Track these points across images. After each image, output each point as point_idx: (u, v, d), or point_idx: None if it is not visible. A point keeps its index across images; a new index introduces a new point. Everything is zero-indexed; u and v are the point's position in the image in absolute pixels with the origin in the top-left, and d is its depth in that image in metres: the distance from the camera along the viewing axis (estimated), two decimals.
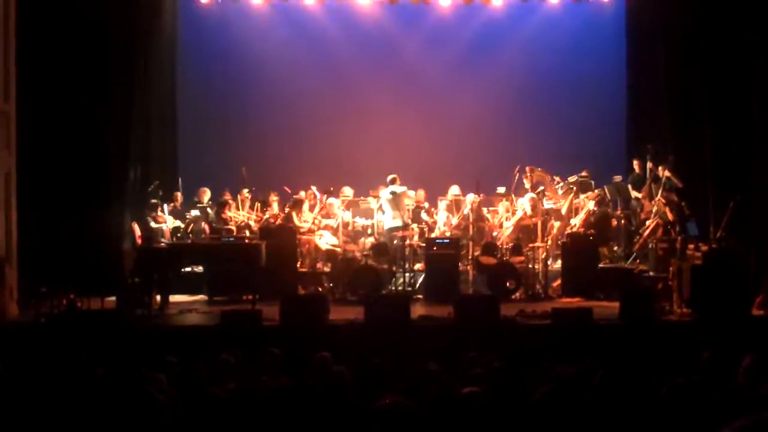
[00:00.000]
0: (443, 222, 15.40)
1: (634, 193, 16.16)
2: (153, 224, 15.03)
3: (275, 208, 15.54)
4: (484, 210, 15.56)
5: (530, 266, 14.52)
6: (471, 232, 14.88)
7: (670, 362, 7.82)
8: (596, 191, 15.65)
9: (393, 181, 14.94)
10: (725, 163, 14.78)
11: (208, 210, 15.87)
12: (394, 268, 14.60)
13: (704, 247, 13.00)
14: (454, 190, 16.05)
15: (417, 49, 18.52)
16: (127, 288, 12.97)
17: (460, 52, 18.52)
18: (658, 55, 16.54)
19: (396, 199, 14.80)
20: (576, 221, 15.11)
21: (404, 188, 15.04)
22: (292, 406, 5.68)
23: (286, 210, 15.09)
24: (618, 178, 16.53)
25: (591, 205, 15.17)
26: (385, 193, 14.94)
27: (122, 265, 13.97)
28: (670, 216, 14.69)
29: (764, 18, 14.02)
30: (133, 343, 10.41)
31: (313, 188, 15.76)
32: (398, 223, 14.74)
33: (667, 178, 15.24)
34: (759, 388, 5.76)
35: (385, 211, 14.94)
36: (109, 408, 4.99)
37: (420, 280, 14.62)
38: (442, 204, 15.73)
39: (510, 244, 14.63)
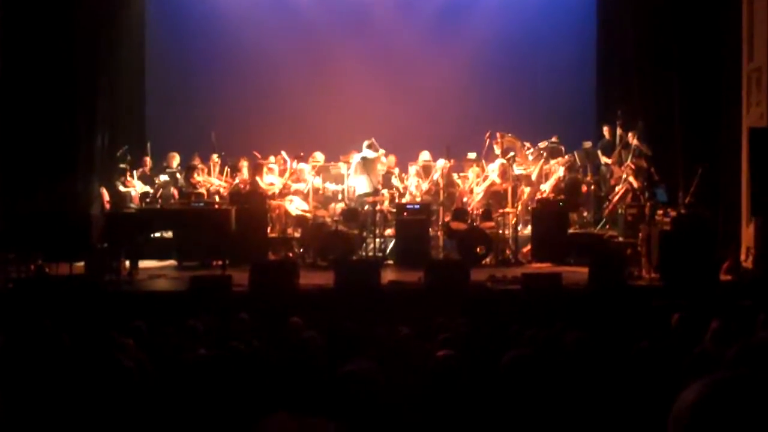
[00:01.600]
0: (414, 187, 15.38)
1: (603, 159, 16.21)
2: (122, 189, 14.91)
3: (245, 173, 15.42)
4: (455, 176, 15.55)
5: (500, 232, 14.55)
6: (441, 197, 14.87)
7: (639, 327, 7.85)
8: (566, 157, 15.68)
9: (369, 147, 14.88)
10: (694, 130, 14.89)
11: (177, 175, 15.75)
12: (364, 234, 14.59)
13: (673, 213, 13.07)
14: (425, 155, 16.01)
15: (387, 14, 18.43)
16: (96, 253, 12.84)
17: (431, 18, 18.47)
18: (627, 21, 16.62)
19: (367, 165, 14.74)
20: (546, 187, 15.14)
21: (381, 152, 14.99)
22: (262, 372, 5.65)
23: (249, 178, 15.04)
24: (588, 144, 16.56)
25: (561, 171, 15.20)
26: (356, 157, 14.88)
27: (91, 230, 13.83)
28: (637, 182, 14.75)
29: None
30: (102, 309, 10.33)
31: (283, 153, 15.66)
32: (368, 188, 14.71)
33: (636, 144, 15.28)
34: (725, 350, 5.80)
35: (356, 176, 14.89)
36: (76, 373, 4.94)
37: (390, 245, 14.63)
38: (413, 169, 15.71)
39: (480, 210, 14.63)
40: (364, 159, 14.75)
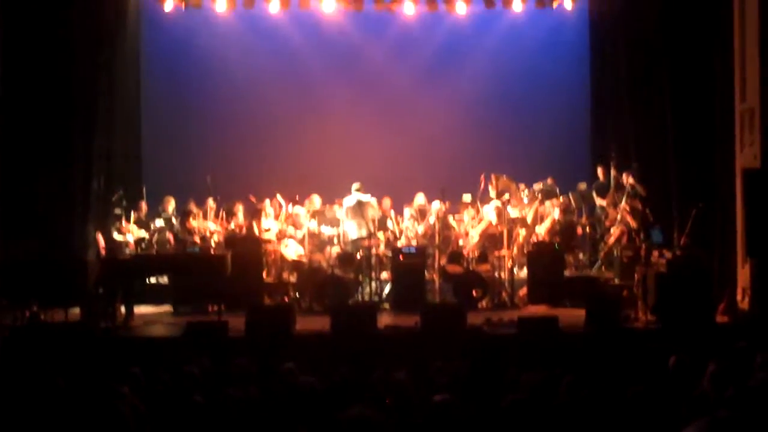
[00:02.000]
0: (409, 231, 15.41)
1: (598, 201, 16.24)
2: (117, 235, 14.92)
3: (240, 217, 15.45)
4: (450, 218, 15.56)
5: (496, 274, 14.56)
6: (437, 240, 14.88)
7: (636, 369, 7.87)
8: (561, 199, 15.71)
9: (359, 189, 14.93)
10: (688, 171, 14.93)
11: (173, 220, 15.76)
12: (360, 278, 14.58)
13: (668, 254, 13.08)
14: (420, 198, 16.03)
15: (382, 57, 18.52)
16: (91, 299, 12.83)
17: (425, 60, 18.55)
18: (620, 62, 16.75)
19: (361, 208, 14.79)
20: (541, 229, 15.17)
21: (368, 196, 15.01)
22: (259, 418, 5.66)
23: (245, 222, 15.06)
24: (583, 186, 16.61)
25: (556, 213, 15.23)
26: (349, 200, 14.92)
27: (86, 276, 13.82)
28: (633, 224, 14.80)
29: (723, 19, 14.17)
30: (98, 356, 10.32)
31: (278, 197, 15.69)
32: (363, 232, 14.74)
33: (631, 185, 15.34)
34: (723, 393, 5.81)
35: (348, 220, 14.93)
36: (73, 421, 4.94)
37: (386, 289, 14.62)
38: (408, 212, 15.73)
39: (476, 253, 14.66)
40: (359, 202, 14.79)
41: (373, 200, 15.17)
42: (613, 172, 15.90)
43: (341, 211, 15.17)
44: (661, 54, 15.52)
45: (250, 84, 18.13)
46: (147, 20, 17.72)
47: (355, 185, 14.98)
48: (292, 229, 15.17)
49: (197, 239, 14.82)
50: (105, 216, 15.41)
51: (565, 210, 15.42)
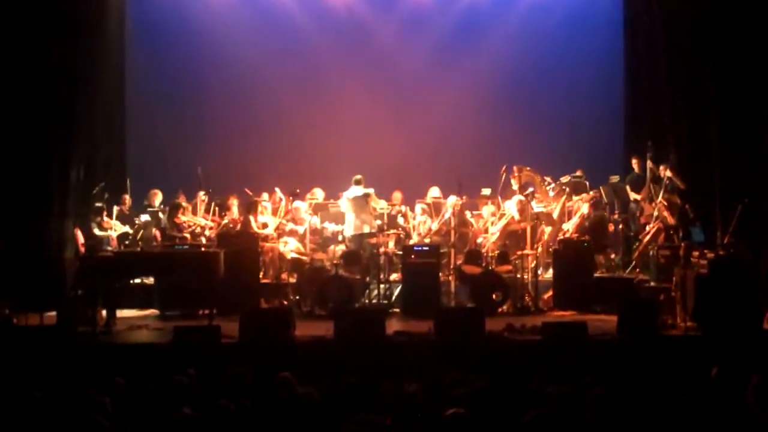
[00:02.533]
0: (422, 227, 15.40)
1: (632, 195, 16.23)
2: (98, 231, 14.95)
3: (235, 212, 15.46)
4: (468, 214, 15.56)
5: (518, 276, 14.54)
6: (453, 238, 14.86)
7: (673, 381, 7.85)
8: (591, 193, 15.66)
9: (358, 182, 14.93)
10: (733, 162, 14.82)
11: (160, 214, 15.79)
12: (367, 279, 14.59)
13: (710, 255, 13.03)
14: (434, 191, 16.05)
15: (392, 38, 18.55)
16: (69, 302, 12.85)
17: (439, 41, 18.57)
18: (658, 41, 16.62)
19: (361, 202, 14.78)
20: (569, 226, 15.14)
21: (371, 190, 15.00)
22: None
23: (240, 216, 15.07)
24: (615, 179, 16.58)
25: (585, 209, 15.19)
26: (350, 193, 14.92)
27: (63, 276, 13.86)
28: (671, 220, 14.76)
29: None
30: (76, 364, 10.34)
31: (278, 190, 15.71)
32: (366, 228, 14.74)
33: (669, 178, 15.30)
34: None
35: (349, 216, 14.94)
36: None
37: (396, 291, 14.62)
38: (420, 207, 15.72)
39: (496, 252, 14.63)
40: (366, 194, 14.79)
41: (373, 193, 15.11)
42: (649, 164, 15.87)
43: (343, 204, 15.13)
44: (704, 33, 15.38)
45: (247, 67, 18.14)
46: None
47: (355, 177, 14.97)
48: (291, 225, 15.18)
49: (186, 235, 14.83)
50: (85, 210, 15.43)
51: (596, 205, 15.37)
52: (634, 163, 16.53)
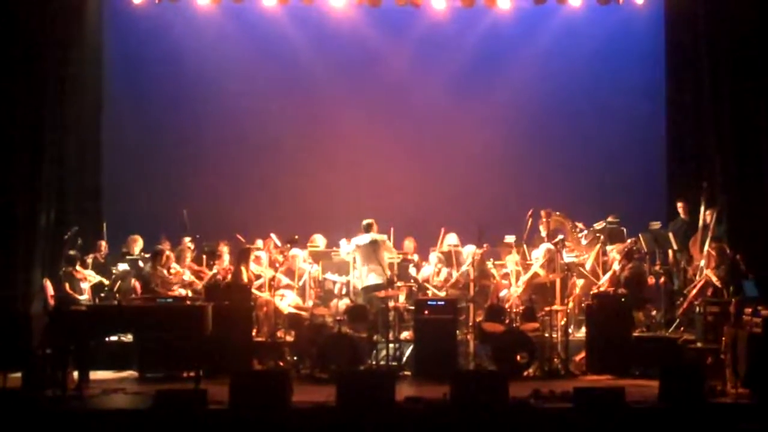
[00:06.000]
0: (436, 279, 15.42)
1: (676, 244, 16.20)
2: (70, 282, 14.97)
3: (225, 260, 15.51)
4: (489, 264, 15.58)
5: (546, 335, 14.53)
6: (472, 291, 14.89)
7: None
8: (628, 241, 15.68)
9: (369, 228, 14.98)
10: None
11: (140, 263, 15.83)
12: (374, 337, 14.59)
13: (764, 312, 13.04)
14: (451, 239, 16.08)
15: (404, 64, 18.66)
16: (36, 362, 12.86)
17: (457, 68, 18.67)
18: (704, 69, 16.66)
19: (375, 250, 14.83)
20: (604, 279, 15.15)
21: (384, 237, 15.05)
22: None
23: (231, 266, 15.11)
24: (656, 225, 16.57)
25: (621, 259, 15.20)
26: (360, 240, 14.96)
27: (30, 332, 13.87)
28: (718, 274, 14.67)
29: None
30: None
31: (273, 236, 15.75)
32: (377, 280, 14.77)
33: (716, 224, 15.28)
34: None
35: (359, 266, 14.97)
36: None
37: (408, 352, 14.62)
38: (435, 257, 15.74)
39: (521, 307, 14.64)
40: (373, 242, 14.84)
41: (387, 239, 15.18)
42: (702, 209, 15.63)
43: (349, 250, 15.16)
44: (757, 61, 15.44)
45: (241, 98, 18.26)
46: (111, 15, 17.85)
47: (365, 222, 15.02)
48: (287, 280, 15.20)
49: (170, 287, 14.86)
50: (55, 258, 15.48)
51: (633, 255, 15.36)
52: (680, 207, 16.50)
